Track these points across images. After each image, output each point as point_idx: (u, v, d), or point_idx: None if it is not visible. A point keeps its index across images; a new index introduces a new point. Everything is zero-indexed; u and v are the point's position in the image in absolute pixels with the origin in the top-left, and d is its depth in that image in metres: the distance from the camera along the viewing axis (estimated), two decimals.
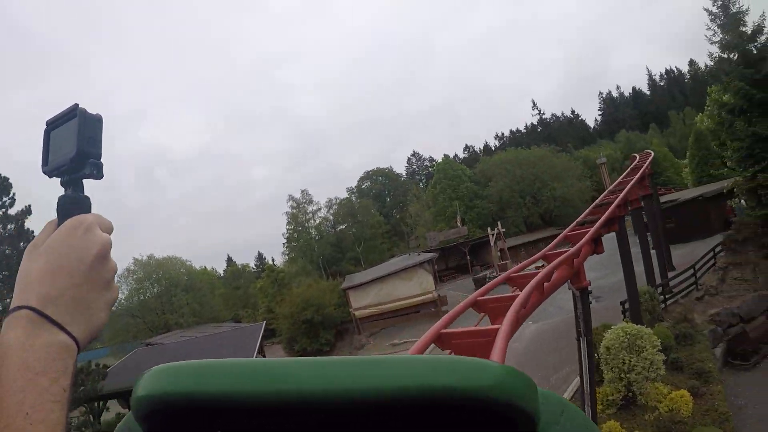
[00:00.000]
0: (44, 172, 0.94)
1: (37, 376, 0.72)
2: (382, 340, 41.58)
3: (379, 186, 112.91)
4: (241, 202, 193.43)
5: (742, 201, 40.52)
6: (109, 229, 0.91)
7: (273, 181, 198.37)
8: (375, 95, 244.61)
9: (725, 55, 29.41)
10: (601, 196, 24.18)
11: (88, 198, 0.92)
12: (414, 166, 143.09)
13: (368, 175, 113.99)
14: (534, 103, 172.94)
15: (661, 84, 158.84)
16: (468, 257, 66.15)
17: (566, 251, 13.58)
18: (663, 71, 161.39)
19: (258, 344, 35.45)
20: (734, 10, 28.54)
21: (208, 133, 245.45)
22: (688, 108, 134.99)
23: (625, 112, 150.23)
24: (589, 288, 15.20)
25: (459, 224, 69.23)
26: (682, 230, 40.44)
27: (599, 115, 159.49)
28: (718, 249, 28.41)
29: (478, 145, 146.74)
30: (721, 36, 28.99)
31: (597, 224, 16.68)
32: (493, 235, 53.91)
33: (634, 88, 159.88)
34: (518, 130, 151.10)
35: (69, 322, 0.80)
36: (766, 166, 26.50)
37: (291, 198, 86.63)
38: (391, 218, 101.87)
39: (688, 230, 40.20)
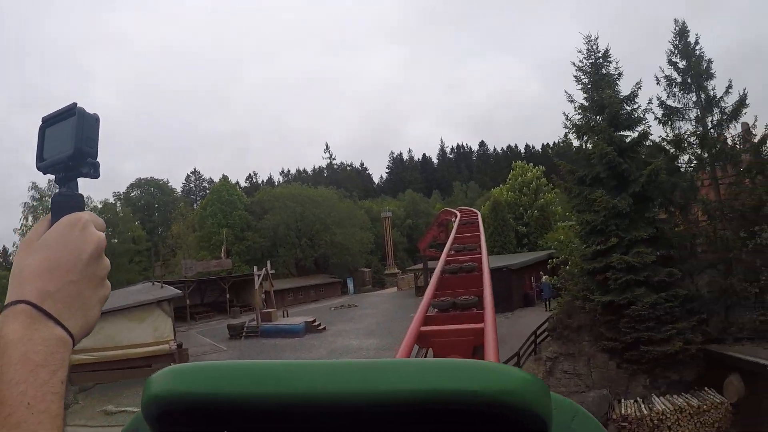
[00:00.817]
0: (38, 168, 0.93)
1: (38, 368, 0.72)
2: (95, 402, 27.94)
3: (149, 197, 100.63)
4: None
5: (546, 278, 37.82)
6: (102, 228, 0.91)
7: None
8: (172, 101, 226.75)
9: (588, 116, 25.64)
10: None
11: (82, 196, 0.91)
12: (192, 185, 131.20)
13: (140, 183, 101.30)
14: (327, 146, 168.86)
15: (450, 156, 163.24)
16: (228, 295, 56.53)
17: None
18: (454, 145, 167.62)
19: None
20: (610, 70, 25.69)
21: None
22: (472, 182, 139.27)
23: (412, 175, 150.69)
24: None
25: (224, 255, 59.44)
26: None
27: (387, 172, 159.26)
28: (541, 333, 24.38)
29: (263, 177, 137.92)
30: (590, 93, 25.49)
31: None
32: (259, 275, 44.85)
33: (424, 155, 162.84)
34: (305, 171, 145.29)
35: (65, 317, 0.80)
36: (613, 246, 21.36)
37: (34, 186, 68.66)
38: (154, 236, 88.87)
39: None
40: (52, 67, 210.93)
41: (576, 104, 25.77)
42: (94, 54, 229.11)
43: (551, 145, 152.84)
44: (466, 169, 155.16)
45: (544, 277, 41.08)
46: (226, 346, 38.35)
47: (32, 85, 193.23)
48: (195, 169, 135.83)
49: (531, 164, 65.77)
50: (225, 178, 77.80)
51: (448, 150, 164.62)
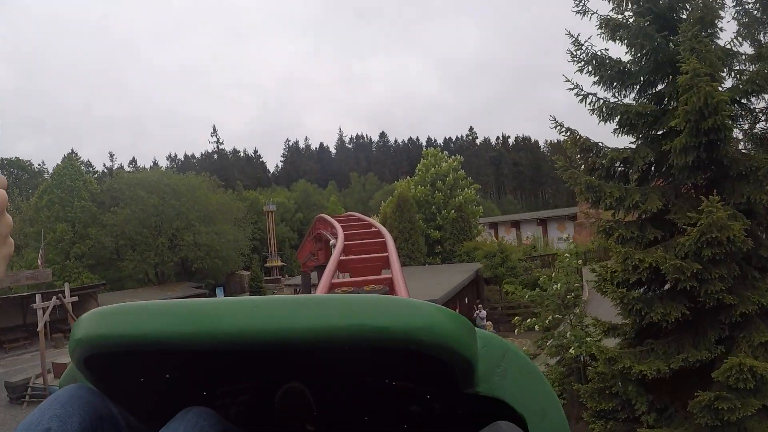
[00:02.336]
0: None
1: None
2: None
3: (11, 180, 79.44)
4: None
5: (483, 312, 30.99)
6: (4, 185, 0.84)
7: None
8: (61, 78, 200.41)
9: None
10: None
11: None
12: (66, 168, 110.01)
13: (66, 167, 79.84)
14: (214, 129, 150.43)
15: (349, 146, 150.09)
16: (44, 320, 40.33)
17: None
18: (354, 135, 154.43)
19: None
20: None
21: None
22: (371, 173, 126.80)
23: (308, 165, 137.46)
24: None
25: (40, 264, 42.68)
26: None
27: (281, 161, 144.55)
28: None
29: (145, 163, 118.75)
30: None
31: None
32: (58, 299, 29.46)
33: (321, 144, 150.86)
34: (194, 156, 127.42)
35: None
36: None
37: None
38: None
39: None
40: None
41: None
42: None
43: (463, 137, 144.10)
44: (365, 161, 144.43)
45: (482, 311, 29.43)
46: None
47: None
48: (72, 150, 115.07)
49: (446, 153, 52.26)
50: (71, 156, 60.22)
51: (347, 140, 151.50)
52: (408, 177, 55.85)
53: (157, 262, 53.57)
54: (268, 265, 72.39)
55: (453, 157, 50.29)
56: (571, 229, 50.67)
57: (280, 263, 71.78)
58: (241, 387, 1.20)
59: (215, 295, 56.15)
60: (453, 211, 45.99)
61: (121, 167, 62.38)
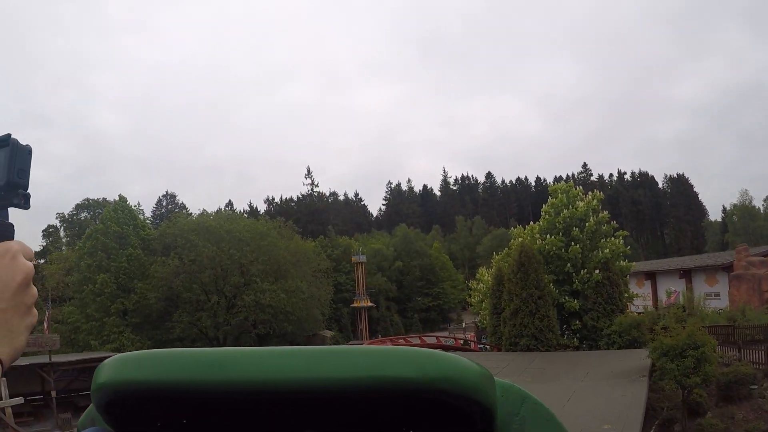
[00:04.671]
0: None
1: None
2: None
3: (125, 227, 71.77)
4: None
5: None
6: (31, 257, 0.85)
7: None
8: (168, 126, 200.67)
9: None
10: None
11: (12, 225, 0.84)
12: (164, 209, 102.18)
13: (88, 204, 73.37)
14: (308, 170, 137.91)
15: (454, 188, 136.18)
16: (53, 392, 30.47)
17: None
18: (459, 176, 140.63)
19: None
20: None
21: None
22: (477, 217, 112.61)
23: (410, 208, 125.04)
24: None
25: (45, 327, 31.86)
26: None
27: (383, 204, 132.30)
28: None
29: (241, 207, 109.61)
30: None
31: None
32: None
33: (424, 186, 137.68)
34: (291, 199, 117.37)
35: None
36: None
37: None
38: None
39: None
40: (55, 84, 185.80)
41: None
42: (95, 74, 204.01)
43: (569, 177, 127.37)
44: (471, 203, 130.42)
45: None
46: None
47: (35, 104, 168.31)
48: (167, 191, 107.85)
49: (580, 188, 37.19)
50: (122, 199, 48.89)
51: (451, 181, 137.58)
52: (518, 224, 41.11)
53: (209, 326, 41.71)
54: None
55: (591, 193, 35.37)
56: (725, 283, 38.72)
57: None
58: None
59: None
60: (597, 271, 31.19)
61: (204, 211, 51.55)
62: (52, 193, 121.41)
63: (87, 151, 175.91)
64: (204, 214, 52.02)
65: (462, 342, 40.77)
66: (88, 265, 43.07)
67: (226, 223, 46.38)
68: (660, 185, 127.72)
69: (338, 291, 61.20)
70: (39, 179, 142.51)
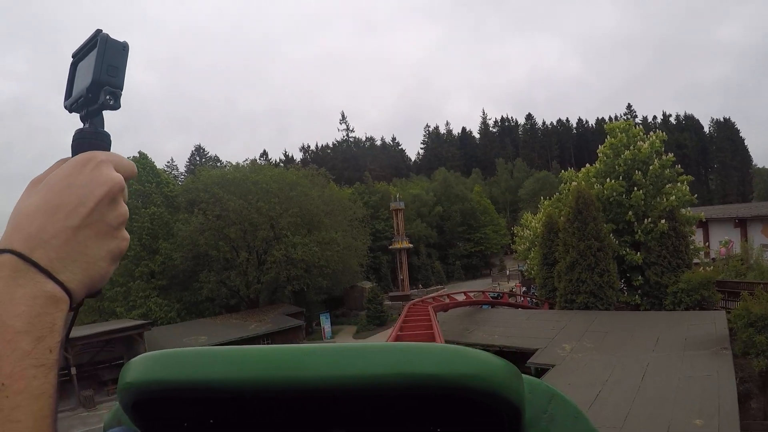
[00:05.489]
0: (65, 107, 0.78)
1: (18, 336, 0.54)
2: None
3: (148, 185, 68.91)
4: None
5: None
6: (128, 172, 0.73)
7: None
8: (204, 80, 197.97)
9: None
10: None
11: (106, 134, 0.75)
12: (197, 164, 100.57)
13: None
14: (343, 115, 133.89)
15: (494, 130, 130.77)
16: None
17: None
18: (498, 118, 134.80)
19: None
20: None
21: None
22: (518, 160, 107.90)
23: (450, 152, 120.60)
24: None
25: None
26: None
27: (422, 148, 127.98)
28: None
29: (277, 157, 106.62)
30: None
31: None
32: None
33: (463, 128, 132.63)
34: (327, 145, 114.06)
35: (60, 270, 0.61)
36: None
37: None
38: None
39: None
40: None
41: None
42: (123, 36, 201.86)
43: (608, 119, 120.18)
44: (512, 145, 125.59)
45: None
46: None
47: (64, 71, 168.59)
48: (199, 145, 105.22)
49: (640, 126, 32.69)
50: (142, 155, 44.95)
51: (491, 123, 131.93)
52: (560, 167, 36.52)
53: (239, 284, 39.01)
54: (395, 294, 53.55)
55: (653, 133, 30.96)
56: None
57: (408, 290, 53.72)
58: None
59: (319, 322, 41.13)
60: (663, 221, 27.27)
61: (229, 164, 47.26)
62: None
63: (121, 114, 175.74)
64: (229, 165, 47.71)
65: (509, 296, 37.43)
66: None
67: (252, 174, 42.70)
68: (706, 130, 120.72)
69: (376, 239, 58.16)
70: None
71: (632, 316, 24.50)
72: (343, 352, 0.83)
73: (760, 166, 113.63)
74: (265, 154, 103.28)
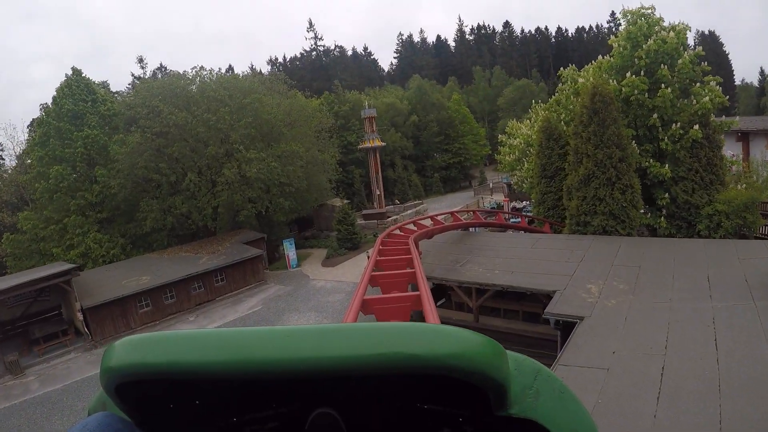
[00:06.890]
0: None
1: None
2: None
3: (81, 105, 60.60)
4: None
5: None
6: None
7: None
8: None
9: None
10: None
11: None
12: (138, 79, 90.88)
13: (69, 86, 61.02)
14: (310, 23, 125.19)
15: (470, 38, 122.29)
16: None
17: None
18: (474, 26, 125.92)
19: None
20: None
21: None
22: (497, 67, 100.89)
23: (424, 60, 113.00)
24: None
25: None
26: None
27: (395, 57, 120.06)
28: None
29: (243, 70, 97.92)
30: None
31: None
32: None
33: (438, 36, 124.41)
34: (295, 57, 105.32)
35: None
36: None
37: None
38: None
39: None
40: None
41: None
42: None
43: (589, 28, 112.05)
44: (489, 54, 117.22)
45: None
46: None
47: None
48: (161, 64, 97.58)
49: (660, 14, 26.57)
50: (75, 72, 36.69)
51: (467, 31, 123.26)
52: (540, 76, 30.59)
53: (187, 211, 33.29)
54: (368, 212, 47.00)
55: (679, 23, 24.99)
56: None
57: (383, 206, 47.22)
58: (271, 413, 1.07)
59: (283, 248, 35.74)
60: (696, 126, 21.84)
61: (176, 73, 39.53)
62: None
63: (86, 39, 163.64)
64: (176, 74, 39.16)
65: (500, 209, 32.23)
66: (40, 157, 33.38)
67: (193, 83, 36.10)
68: (690, 43, 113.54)
69: (348, 152, 52.36)
70: (42, 77, 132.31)
71: (666, 244, 19.24)
72: (324, 333, 0.83)
73: (746, 81, 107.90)
74: (230, 69, 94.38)
